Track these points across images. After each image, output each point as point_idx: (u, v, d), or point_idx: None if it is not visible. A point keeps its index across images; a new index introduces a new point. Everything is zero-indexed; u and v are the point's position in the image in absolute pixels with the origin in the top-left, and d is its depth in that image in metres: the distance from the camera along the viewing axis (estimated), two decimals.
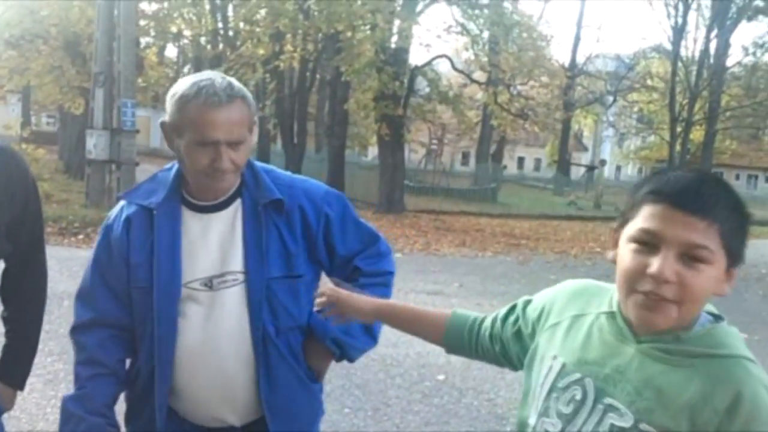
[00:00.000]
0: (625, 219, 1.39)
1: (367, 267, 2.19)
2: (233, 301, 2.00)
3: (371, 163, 33.28)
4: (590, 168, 48.67)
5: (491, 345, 1.72)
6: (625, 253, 1.35)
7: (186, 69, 46.96)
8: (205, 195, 2.04)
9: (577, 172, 52.55)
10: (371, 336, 2.20)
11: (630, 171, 63.43)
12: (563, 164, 45.33)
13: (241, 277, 2.01)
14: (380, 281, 2.21)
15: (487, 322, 1.74)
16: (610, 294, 1.48)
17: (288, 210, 2.06)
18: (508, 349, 1.69)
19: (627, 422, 1.33)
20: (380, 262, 2.23)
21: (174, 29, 27.09)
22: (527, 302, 1.68)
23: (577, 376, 1.43)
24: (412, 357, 6.33)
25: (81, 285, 2.14)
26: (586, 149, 62.64)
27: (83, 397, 2.00)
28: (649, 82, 42.37)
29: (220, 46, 29.60)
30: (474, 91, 30.32)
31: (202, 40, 31.64)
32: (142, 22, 21.08)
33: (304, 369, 2.13)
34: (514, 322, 1.67)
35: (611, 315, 1.44)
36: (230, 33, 29.79)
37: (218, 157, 1.90)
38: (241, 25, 26.46)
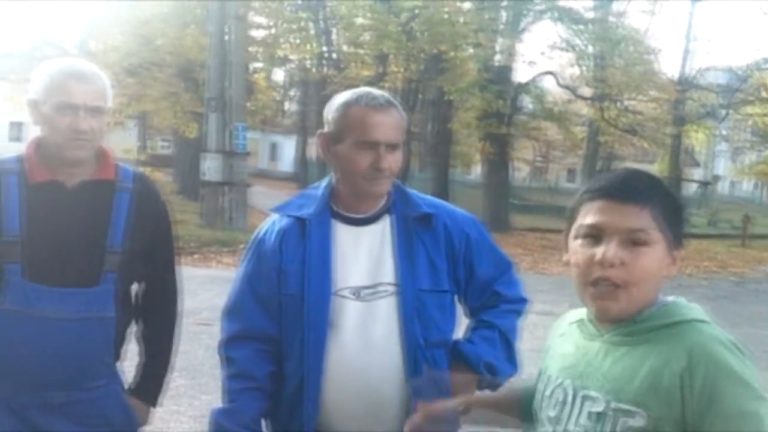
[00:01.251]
0: (570, 222, 1.53)
1: (507, 292, 2.22)
2: (384, 312, 2.04)
3: (475, 182, 33.11)
4: (703, 184, 46.89)
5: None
6: (574, 250, 1.49)
7: (292, 92, 48.15)
8: (358, 208, 2.11)
9: (689, 189, 50.71)
10: (513, 363, 2.19)
11: (746, 186, 60.72)
12: (675, 181, 43.85)
13: (391, 288, 2.05)
14: (517, 308, 2.24)
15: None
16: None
17: (434, 226, 2.12)
18: None
19: (600, 406, 1.43)
20: (517, 288, 2.27)
21: (281, 54, 27.81)
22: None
23: (559, 381, 1.55)
24: (524, 378, 6.23)
25: (229, 300, 2.21)
26: (698, 165, 60.33)
27: (234, 411, 2.07)
28: (764, 94, 40.51)
29: (326, 69, 30.22)
30: (580, 107, 29.81)
31: (308, 63, 32.39)
32: (251, 49, 21.76)
33: (448, 387, 2.13)
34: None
35: (581, 321, 1.59)
36: (335, 56, 30.38)
37: (378, 158, 2.00)
38: (346, 48, 26.98)
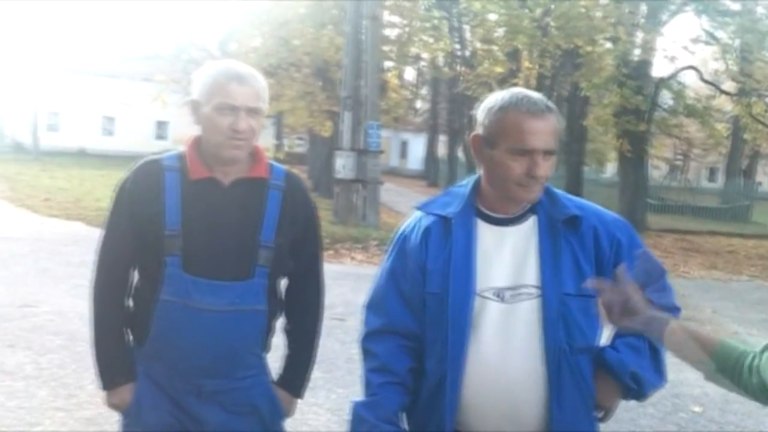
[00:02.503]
0: None
1: (659, 300, 2.13)
2: (527, 315, 2.01)
3: (610, 180, 32.18)
4: None
5: (749, 377, 1.62)
6: None
7: (423, 90, 48.35)
8: (503, 208, 2.09)
9: None
10: (661, 374, 2.12)
11: None
12: None
13: (535, 291, 2.02)
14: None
15: (750, 352, 1.65)
16: None
17: (582, 229, 2.07)
18: (766, 383, 1.59)
19: None
20: (669, 296, 2.17)
21: (414, 51, 27.99)
22: None
23: None
24: (664, 386, 6.01)
25: (372, 294, 2.24)
26: None
27: (374, 404, 2.09)
28: None
29: (457, 66, 30.17)
30: (723, 103, 28.41)
31: (440, 61, 32.43)
32: (384, 48, 22.00)
33: (592, 395, 2.08)
34: None
35: None
36: (467, 53, 30.27)
37: (534, 165, 1.96)
38: (478, 45, 26.83)
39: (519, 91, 2.03)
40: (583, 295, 2.03)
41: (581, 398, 2.05)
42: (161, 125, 45.53)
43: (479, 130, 2.06)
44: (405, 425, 2.18)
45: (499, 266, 2.05)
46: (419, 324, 2.12)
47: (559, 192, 2.16)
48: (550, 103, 2.01)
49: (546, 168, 1.98)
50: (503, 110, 1.99)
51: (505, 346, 2.00)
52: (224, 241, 2.25)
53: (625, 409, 5.32)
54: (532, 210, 2.09)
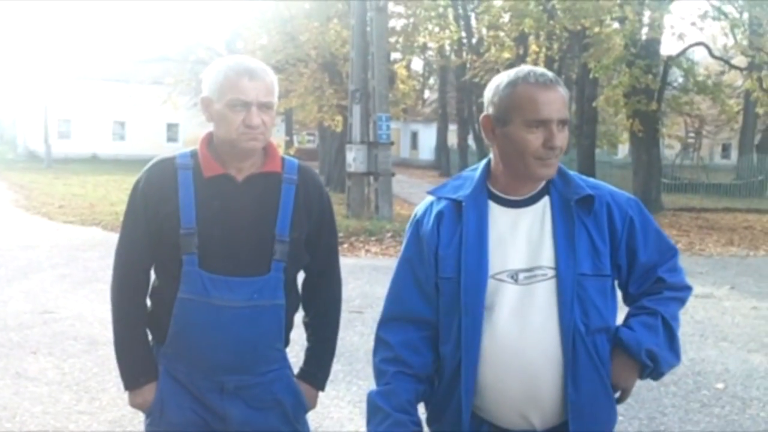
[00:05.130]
0: None
1: (672, 279, 2.13)
2: (543, 296, 2.00)
3: (623, 161, 32.01)
4: None
5: None
6: None
7: (431, 80, 48.27)
8: (516, 190, 2.08)
9: None
10: (676, 353, 2.11)
11: None
12: None
13: (550, 272, 2.01)
14: (680, 296, 2.16)
15: None
16: None
17: (596, 209, 2.06)
18: None
19: None
20: (681, 275, 2.18)
21: (421, 40, 27.93)
22: None
23: None
24: (685, 364, 5.98)
25: (390, 283, 2.23)
26: None
27: (389, 393, 2.09)
28: None
29: (465, 54, 30.09)
30: (734, 78, 28.17)
31: (447, 50, 32.35)
32: (391, 39, 21.96)
33: (609, 374, 2.07)
34: None
35: None
36: (474, 41, 30.18)
37: (552, 136, 1.96)
38: (485, 31, 26.74)
39: (523, 66, 2.04)
40: (599, 275, 2.03)
41: (598, 379, 2.04)
42: (172, 127, 45.73)
43: (489, 110, 2.05)
44: (421, 413, 2.17)
45: (513, 248, 2.04)
46: (434, 311, 2.12)
47: (573, 173, 2.15)
48: (556, 76, 2.01)
49: (562, 138, 1.97)
50: (512, 85, 1.99)
51: (521, 328, 1.99)
52: (240, 237, 2.26)
53: (647, 388, 5.33)
54: (545, 191, 2.08)
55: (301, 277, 2.50)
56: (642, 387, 5.45)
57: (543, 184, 2.08)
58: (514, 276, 2.02)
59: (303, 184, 2.38)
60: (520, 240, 2.04)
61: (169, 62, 25.01)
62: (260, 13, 22.29)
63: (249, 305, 2.25)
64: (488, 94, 2.06)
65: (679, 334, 2.14)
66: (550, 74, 1.99)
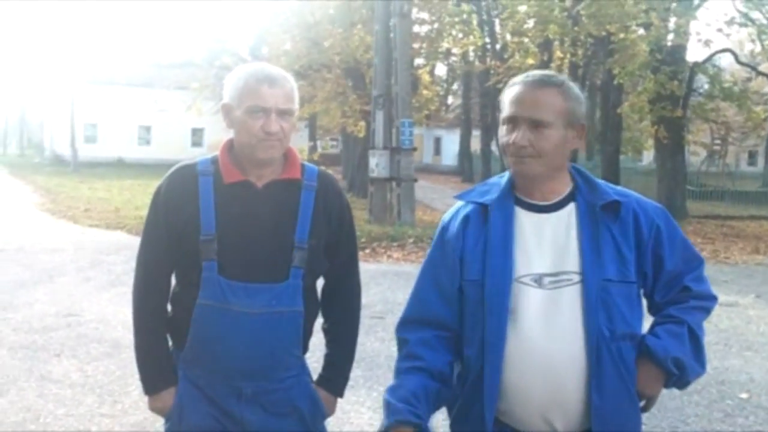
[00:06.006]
0: None
1: (698, 288, 2.12)
2: (568, 301, 2.00)
3: (647, 168, 31.76)
4: None
5: None
6: None
7: (455, 86, 48.20)
8: (541, 195, 2.10)
9: None
10: (701, 362, 2.10)
11: None
12: None
13: (576, 277, 2.01)
14: (706, 306, 2.15)
15: None
16: None
17: (623, 216, 2.07)
18: None
19: None
20: (706, 284, 2.18)
21: (445, 46, 27.93)
22: None
23: None
24: (709, 373, 5.90)
25: (413, 286, 2.25)
26: None
27: (396, 387, 2.09)
28: None
29: (489, 60, 30.02)
30: (761, 85, 27.86)
31: (471, 56, 32.30)
32: (414, 45, 21.97)
33: (634, 381, 2.06)
34: None
35: None
36: (498, 47, 30.12)
37: (517, 136, 2.02)
38: (509, 37, 26.67)
39: (531, 72, 2.12)
40: (625, 281, 2.03)
41: (623, 386, 2.03)
42: (196, 132, 46.05)
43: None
44: (439, 415, 2.17)
45: (539, 253, 2.05)
46: (455, 315, 2.13)
47: (599, 180, 2.16)
48: (556, 79, 2.06)
49: (531, 139, 2.01)
50: (511, 84, 2.09)
51: (546, 333, 1.99)
52: (259, 243, 2.26)
53: (670, 397, 5.28)
54: (571, 197, 2.10)
55: (320, 283, 2.50)
56: (665, 396, 5.37)
57: (569, 189, 2.11)
58: (538, 280, 2.03)
59: (323, 191, 2.38)
60: (546, 244, 2.06)
61: (194, 67, 25.20)
62: (284, 19, 22.40)
63: (267, 311, 2.25)
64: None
65: (704, 343, 2.12)
66: (543, 75, 2.08)
